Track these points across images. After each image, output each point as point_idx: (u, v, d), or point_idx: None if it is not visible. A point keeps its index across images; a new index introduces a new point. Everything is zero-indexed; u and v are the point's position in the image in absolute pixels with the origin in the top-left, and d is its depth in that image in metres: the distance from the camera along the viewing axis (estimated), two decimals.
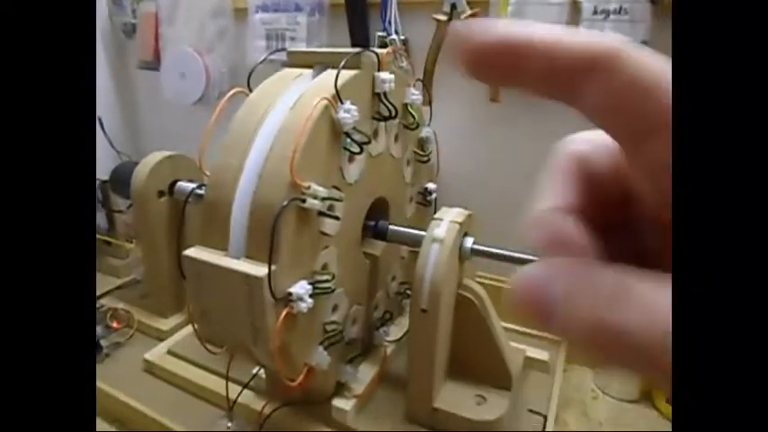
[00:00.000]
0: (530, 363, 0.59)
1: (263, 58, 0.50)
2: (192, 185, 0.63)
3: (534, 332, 0.67)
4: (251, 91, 0.44)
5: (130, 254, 0.84)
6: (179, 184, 0.64)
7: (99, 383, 0.58)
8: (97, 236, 0.82)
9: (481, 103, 0.62)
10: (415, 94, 0.53)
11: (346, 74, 0.42)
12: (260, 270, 0.36)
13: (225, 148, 0.40)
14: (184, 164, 0.66)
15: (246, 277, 0.36)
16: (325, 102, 0.39)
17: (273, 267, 0.36)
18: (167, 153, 0.64)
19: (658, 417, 0.58)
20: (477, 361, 0.51)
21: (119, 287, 0.75)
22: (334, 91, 0.40)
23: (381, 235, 0.51)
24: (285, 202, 0.36)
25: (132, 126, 0.96)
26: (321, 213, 0.39)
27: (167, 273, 0.67)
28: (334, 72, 0.42)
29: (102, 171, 0.78)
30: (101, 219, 0.83)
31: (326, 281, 0.41)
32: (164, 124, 0.91)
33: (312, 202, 0.37)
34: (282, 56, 0.49)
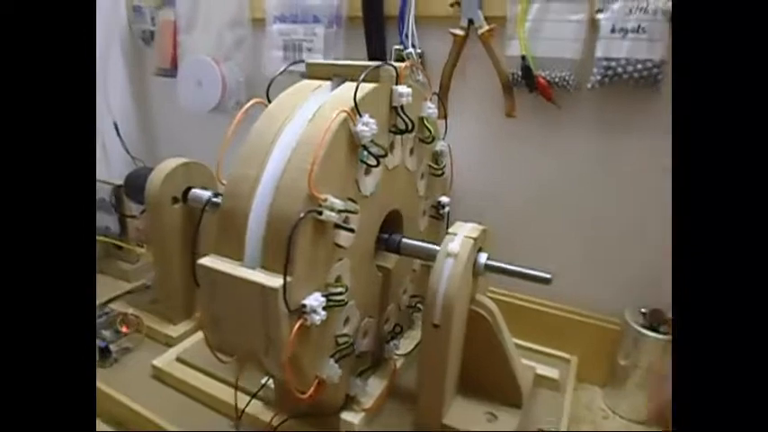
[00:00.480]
0: (539, 380, 0.59)
1: (282, 69, 0.51)
2: (206, 193, 0.63)
3: (544, 349, 0.66)
4: (269, 101, 0.45)
5: (141, 259, 0.85)
6: (193, 191, 0.64)
7: (106, 388, 0.58)
8: (108, 240, 0.83)
9: (497, 117, 0.62)
10: (431, 108, 0.54)
11: (365, 87, 0.42)
12: (275, 281, 0.36)
13: (242, 159, 0.40)
14: (199, 171, 0.66)
15: (262, 288, 0.36)
16: (345, 114, 0.39)
17: (288, 279, 0.36)
18: (182, 160, 0.65)
19: None
20: (488, 377, 0.50)
21: (129, 292, 0.75)
22: (353, 104, 0.40)
23: (394, 248, 0.51)
24: (302, 214, 0.36)
25: (148, 132, 0.96)
26: (337, 226, 0.39)
27: (178, 279, 0.67)
28: (353, 85, 0.42)
29: (117, 176, 0.79)
30: (113, 223, 0.83)
31: (340, 293, 0.41)
32: (179, 132, 0.91)
33: (329, 215, 0.37)
34: (301, 67, 0.50)
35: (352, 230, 0.41)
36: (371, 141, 0.41)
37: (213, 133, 0.84)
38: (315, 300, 0.38)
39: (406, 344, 0.59)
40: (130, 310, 0.69)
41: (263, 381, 0.53)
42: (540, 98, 0.59)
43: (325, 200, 0.37)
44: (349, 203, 0.40)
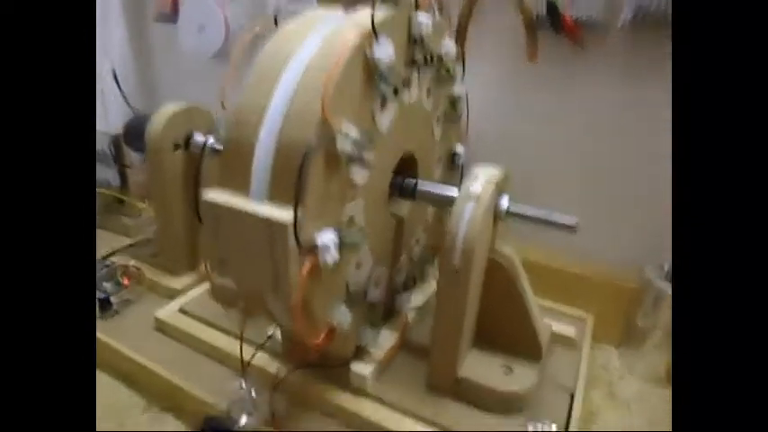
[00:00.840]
0: (555, 338, 0.56)
1: None
2: (209, 139, 0.60)
3: (559, 307, 0.64)
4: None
5: (143, 213, 0.82)
6: (195, 136, 0.61)
7: (107, 339, 0.57)
8: (109, 193, 0.80)
9: (517, 62, 0.58)
10: (449, 46, 0.50)
11: (383, 11, 0.39)
12: (285, 215, 0.33)
13: (250, 84, 0.37)
14: (201, 116, 0.63)
15: (270, 222, 0.33)
16: (361, 36, 0.36)
17: (299, 213, 0.33)
18: (184, 104, 0.61)
19: None
20: (506, 330, 0.48)
21: (130, 245, 0.73)
22: (369, 28, 0.37)
23: (410, 192, 0.48)
24: (316, 141, 0.33)
25: (148, 82, 0.92)
26: (351, 159, 0.36)
27: (180, 229, 0.64)
28: (369, 11, 0.38)
29: (116, 126, 0.75)
30: (113, 176, 0.80)
31: (354, 233, 0.38)
32: (180, 80, 0.87)
33: (344, 144, 0.34)
34: (310, 4, 0.46)
35: (367, 165, 0.38)
36: (389, 69, 0.38)
37: (216, 81, 0.80)
38: (327, 238, 0.35)
39: (418, 297, 0.57)
40: (132, 263, 0.67)
41: (270, 332, 0.51)
42: (565, 40, 0.55)
43: (340, 128, 0.34)
44: (364, 136, 0.37)
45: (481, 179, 0.43)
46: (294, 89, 0.35)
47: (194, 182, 0.60)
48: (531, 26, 0.56)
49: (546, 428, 0.44)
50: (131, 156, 0.75)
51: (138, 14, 0.86)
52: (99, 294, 0.61)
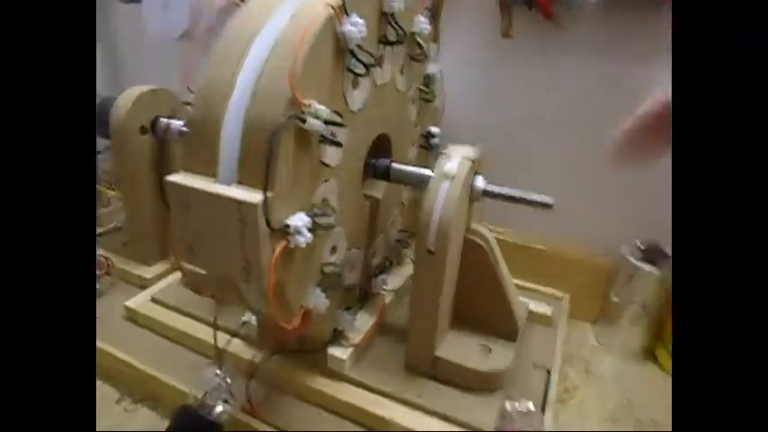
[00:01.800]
0: (531, 317, 0.57)
1: None
2: (177, 122, 0.58)
3: (536, 287, 0.64)
4: None
5: (112, 202, 0.80)
6: (161, 120, 0.59)
7: None
8: None
9: (492, 39, 0.58)
10: (423, 23, 0.49)
11: None
12: (254, 196, 0.32)
13: (215, 60, 0.35)
14: (167, 99, 0.61)
15: (239, 204, 0.32)
16: (330, 10, 0.34)
17: (269, 194, 0.32)
18: (149, 87, 0.59)
19: (662, 373, 0.56)
20: (483, 309, 0.48)
21: (99, 235, 0.71)
22: (340, 2, 0.35)
23: (384, 173, 0.47)
24: (283, 119, 0.32)
25: (112, 66, 0.89)
26: (323, 139, 0.35)
27: (150, 217, 0.62)
28: None
29: None
30: None
31: (326, 215, 0.37)
32: (147, 63, 0.84)
33: (313, 122, 0.33)
34: None
35: (339, 144, 0.37)
36: (359, 47, 0.37)
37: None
38: (299, 219, 0.34)
39: (395, 280, 0.56)
40: (101, 252, 0.65)
41: (244, 318, 0.50)
42: (540, 17, 0.55)
43: (309, 105, 0.33)
44: (335, 116, 0.36)
45: (456, 158, 0.42)
46: (261, 65, 0.34)
47: (158, 166, 0.58)
48: (505, 2, 0.55)
49: (523, 407, 0.44)
50: (98, 142, 0.72)
51: None
52: None
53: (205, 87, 0.35)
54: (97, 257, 0.64)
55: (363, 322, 0.50)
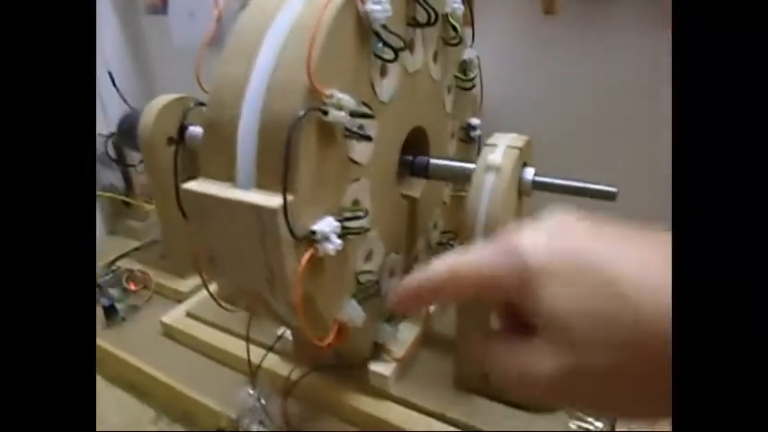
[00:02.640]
0: None
1: None
2: (200, 129, 0.56)
3: None
4: None
5: (150, 216, 0.79)
6: (190, 128, 0.57)
7: (115, 349, 0.54)
8: (115, 196, 0.77)
9: (533, 16, 0.52)
10: (456, 3, 0.44)
11: None
12: (273, 200, 0.29)
13: (227, 56, 0.32)
14: (195, 108, 0.59)
15: (258, 210, 0.29)
16: None
17: (290, 198, 0.29)
18: (175, 95, 0.57)
19: None
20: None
21: (136, 249, 0.70)
22: None
23: (422, 170, 0.43)
24: (302, 112, 0.28)
25: (145, 78, 0.89)
26: (349, 133, 0.32)
27: (183, 229, 0.61)
28: None
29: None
30: (116, 178, 0.77)
31: (358, 218, 0.33)
32: (177, 74, 0.83)
33: (336, 114, 0.30)
34: None
35: (369, 138, 0.33)
36: (385, 28, 0.33)
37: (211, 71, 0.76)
38: (327, 224, 0.31)
39: None
40: (138, 267, 0.64)
41: (279, 332, 0.47)
42: None
43: (331, 96, 0.30)
44: (362, 106, 0.32)
45: (501, 147, 0.38)
46: (276, 57, 0.30)
47: (189, 176, 0.56)
48: None
49: (591, 426, 0.39)
50: (133, 155, 0.71)
51: (128, 8, 0.82)
52: (104, 302, 0.58)
53: (218, 86, 0.32)
54: (134, 271, 0.63)
55: (407, 334, 0.46)
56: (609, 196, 0.37)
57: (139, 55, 0.86)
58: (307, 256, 0.30)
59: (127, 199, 0.77)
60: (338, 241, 0.31)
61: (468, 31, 0.51)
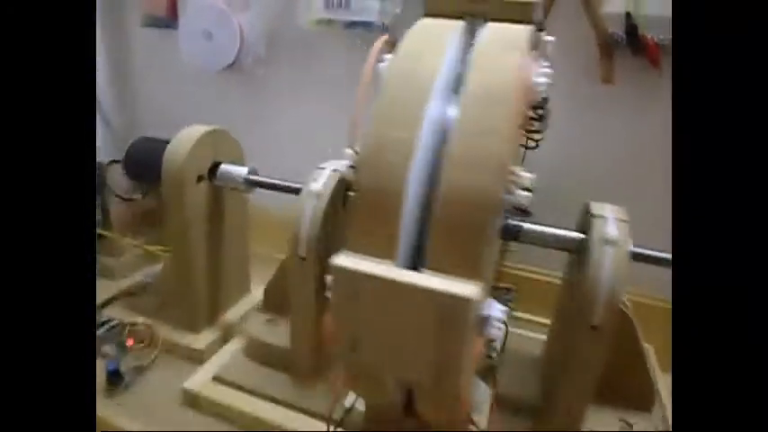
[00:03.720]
0: None
1: None
2: (242, 169, 0.51)
3: None
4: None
5: (126, 251, 0.69)
6: (223, 166, 0.51)
7: (122, 422, 0.45)
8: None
9: (589, 83, 0.54)
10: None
11: (520, 28, 0.33)
12: (468, 289, 0.26)
13: (383, 115, 0.29)
14: (227, 142, 0.53)
15: (449, 298, 0.26)
16: (522, 60, 0.29)
17: (479, 284, 0.26)
18: (207, 127, 0.51)
19: None
20: (623, 381, 0.43)
21: (130, 293, 0.61)
22: (522, 46, 0.30)
23: (512, 234, 0.42)
24: (500, 192, 0.26)
25: (128, 96, 0.78)
26: (520, 211, 0.30)
27: (202, 277, 0.54)
28: (499, 25, 0.32)
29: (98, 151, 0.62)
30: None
31: (510, 299, 0.31)
32: (173, 95, 0.74)
33: (522, 195, 0.28)
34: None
35: (529, 213, 0.31)
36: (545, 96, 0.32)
37: (226, 96, 0.69)
38: (497, 310, 0.29)
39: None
40: (141, 319, 0.55)
41: (348, 404, 0.42)
42: (640, 62, 0.52)
43: (516, 173, 0.28)
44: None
45: (610, 218, 0.38)
46: (449, 119, 0.28)
47: (212, 218, 0.50)
48: (607, 45, 0.52)
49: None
50: (122, 184, 0.62)
51: (115, 19, 0.72)
52: (105, 364, 0.49)
53: (377, 150, 0.29)
54: (137, 325, 0.54)
55: (483, 398, 0.44)
56: None
57: (126, 71, 0.75)
58: (481, 341, 0.28)
59: (101, 231, 0.67)
60: (503, 326, 0.29)
61: None
